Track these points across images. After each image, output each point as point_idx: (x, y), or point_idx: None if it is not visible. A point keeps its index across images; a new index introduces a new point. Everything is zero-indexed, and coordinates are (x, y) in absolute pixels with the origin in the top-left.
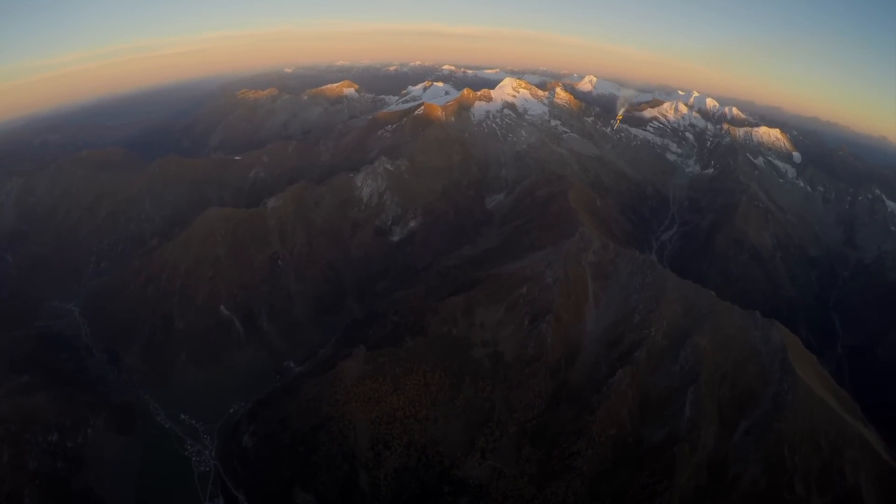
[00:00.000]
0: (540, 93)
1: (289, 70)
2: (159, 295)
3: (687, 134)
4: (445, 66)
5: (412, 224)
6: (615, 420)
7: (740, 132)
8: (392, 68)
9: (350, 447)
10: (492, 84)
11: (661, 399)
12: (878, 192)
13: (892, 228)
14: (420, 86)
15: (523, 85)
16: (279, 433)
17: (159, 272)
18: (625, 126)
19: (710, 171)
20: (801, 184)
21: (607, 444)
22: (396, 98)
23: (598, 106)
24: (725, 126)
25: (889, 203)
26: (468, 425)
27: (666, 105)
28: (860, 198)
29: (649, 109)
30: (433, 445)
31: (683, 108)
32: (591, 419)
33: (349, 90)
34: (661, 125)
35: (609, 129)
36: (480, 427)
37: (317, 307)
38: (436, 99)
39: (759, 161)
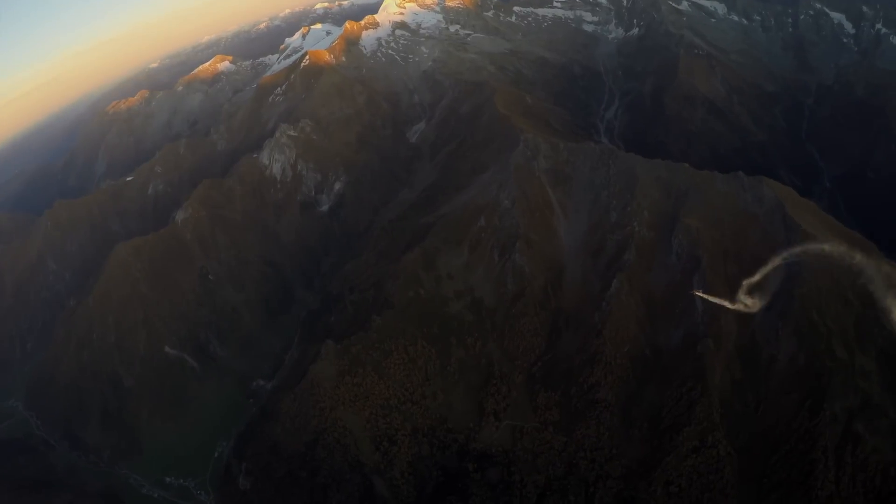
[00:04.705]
0: (428, 1)
1: (154, 65)
2: (97, 357)
3: None
4: (319, 5)
5: (337, 187)
6: (625, 336)
7: None
8: (262, 26)
9: (353, 455)
10: (374, 9)
11: (668, 298)
12: (818, 5)
13: (845, 41)
14: (297, 35)
15: None
16: (274, 463)
17: (88, 333)
18: (530, 9)
19: (636, 31)
20: (736, 18)
21: (625, 364)
22: (277, 56)
23: None
24: None
25: (834, 15)
26: (470, 390)
27: None
28: (802, 17)
29: None
30: (441, 424)
31: None
32: (599, 342)
33: (224, 64)
34: None
35: (513, 17)
36: (484, 388)
37: (266, 311)
38: (319, 43)
39: (684, 6)
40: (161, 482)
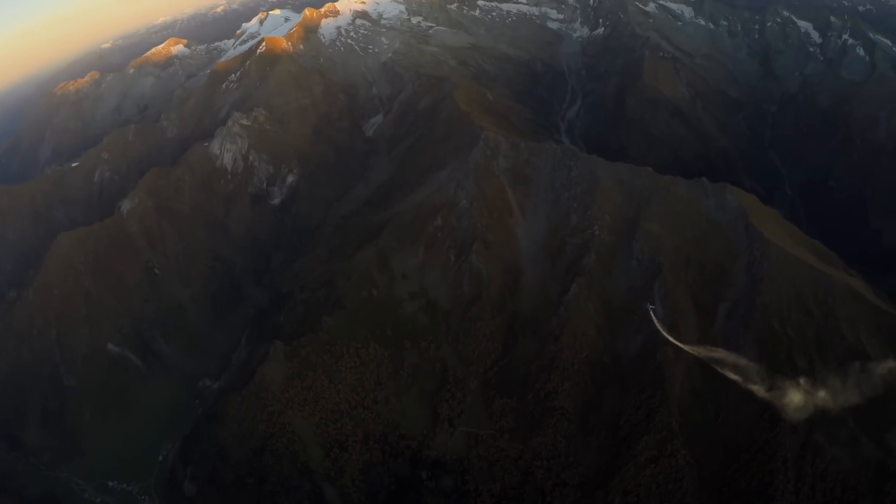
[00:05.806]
0: None
1: (107, 45)
2: (37, 354)
3: None
4: None
5: (290, 179)
6: (583, 341)
7: None
8: (220, 9)
9: (303, 461)
10: None
11: (627, 303)
12: (786, 13)
13: (811, 50)
14: (255, 20)
15: None
16: (220, 469)
17: (28, 329)
18: (495, 4)
19: (601, 30)
20: (702, 22)
21: (583, 370)
22: (233, 41)
23: None
24: None
25: (801, 23)
26: (424, 395)
27: None
28: (769, 24)
29: None
30: (393, 430)
31: None
32: (556, 348)
33: (178, 48)
34: None
35: (477, 11)
36: (438, 393)
37: (214, 308)
38: (276, 30)
39: (651, 7)
40: (104, 486)
